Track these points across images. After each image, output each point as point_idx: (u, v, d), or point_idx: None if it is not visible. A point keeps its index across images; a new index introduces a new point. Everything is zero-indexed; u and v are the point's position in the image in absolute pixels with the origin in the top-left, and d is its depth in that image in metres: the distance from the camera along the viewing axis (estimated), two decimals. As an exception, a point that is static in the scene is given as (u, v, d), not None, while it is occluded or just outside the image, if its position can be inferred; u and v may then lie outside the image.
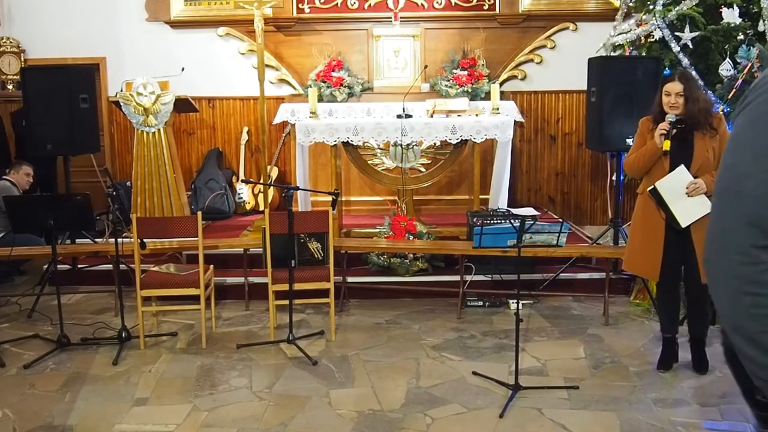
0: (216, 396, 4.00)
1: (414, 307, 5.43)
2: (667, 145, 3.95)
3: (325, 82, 7.10)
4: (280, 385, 4.12)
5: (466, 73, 7.07)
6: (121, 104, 6.17)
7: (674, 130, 3.96)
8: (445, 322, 5.14)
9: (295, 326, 4.82)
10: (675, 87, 3.98)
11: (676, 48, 5.47)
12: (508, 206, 6.03)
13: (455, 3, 7.31)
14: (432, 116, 6.33)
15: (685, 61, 5.44)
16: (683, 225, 3.99)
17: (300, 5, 7.30)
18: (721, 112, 4.53)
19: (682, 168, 3.98)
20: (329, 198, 4.73)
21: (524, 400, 3.85)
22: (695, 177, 3.95)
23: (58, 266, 4.90)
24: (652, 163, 4.08)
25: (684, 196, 3.95)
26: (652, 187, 4.03)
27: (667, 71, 5.55)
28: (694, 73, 5.42)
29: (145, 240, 4.62)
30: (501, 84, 7.23)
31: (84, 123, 5.89)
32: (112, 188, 4.60)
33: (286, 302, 4.71)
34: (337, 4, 7.33)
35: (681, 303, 4.40)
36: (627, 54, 5.96)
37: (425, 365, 4.38)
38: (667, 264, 4.10)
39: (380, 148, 6.38)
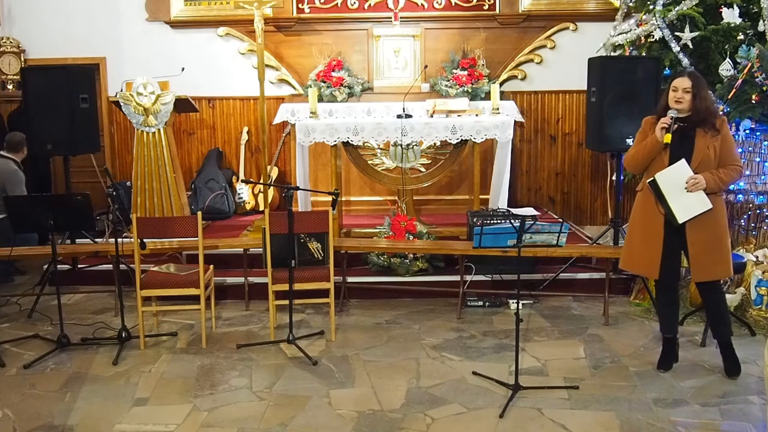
0: (216, 396, 4.00)
1: (414, 307, 5.43)
2: (668, 138, 3.94)
3: (325, 82, 7.10)
4: (280, 385, 4.12)
5: (466, 73, 7.07)
6: (121, 104, 6.17)
7: (675, 125, 3.95)
8: (445, 322, 5.14)
9: (295, 326, 4.82)
10: (683, 83, 3.98)
11: (676, 48, 5.47)
12: (508, 206, 6.03)
13: (455, 3, 7.31)
14: (432, 116, 6.33)
15: (685, 61, 5.45)
16: (680, 221, 3.98)
17: (300, 5, 7.30)
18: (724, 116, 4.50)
19: (682, 162, 3.96)
20: (329, 198, 4.73)
21: (524, 400, 3.85)
22: (696, 173, 3.95)
23: (58, 266, 4.90)
24: (651, 158, 4.07)
25: (683, 192, 3.94)
26: (652, 178, 4.01)
27: (667, 71, 5.56)
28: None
29: (145, 240, 4.62)
30: (501, 84, 7.24)
31: (84, 123, 5.89)
32: (112, 188, 4.60)
33: (286, 302, 4.71)
34: (337, 4, 7.33)
35: (681, 303, 4.38)
36: (627, 54, 5.97)
37: (425, 365, 4.38)
38: (667, 262, 4.09)
39: (380, 148, 6.38)
